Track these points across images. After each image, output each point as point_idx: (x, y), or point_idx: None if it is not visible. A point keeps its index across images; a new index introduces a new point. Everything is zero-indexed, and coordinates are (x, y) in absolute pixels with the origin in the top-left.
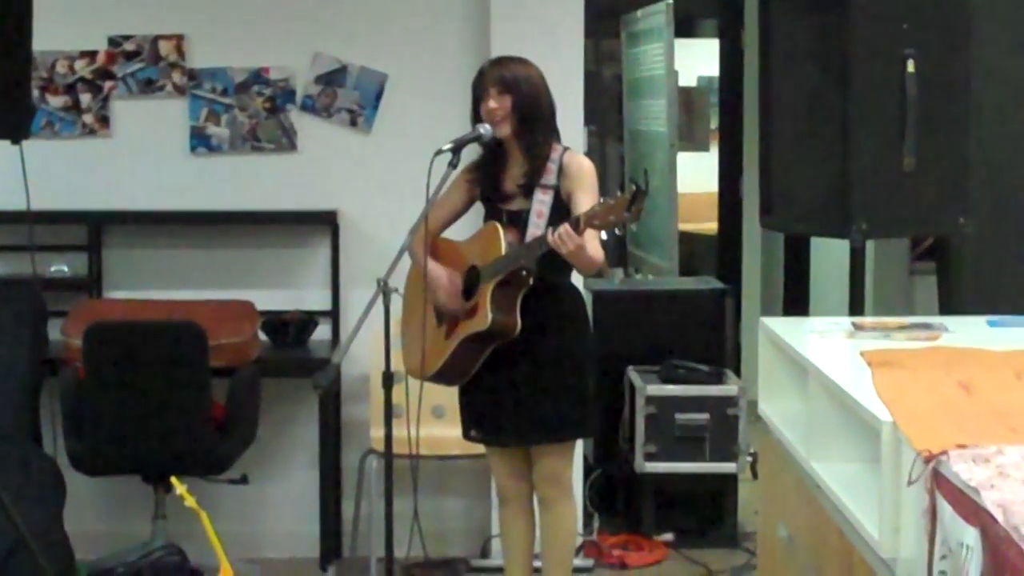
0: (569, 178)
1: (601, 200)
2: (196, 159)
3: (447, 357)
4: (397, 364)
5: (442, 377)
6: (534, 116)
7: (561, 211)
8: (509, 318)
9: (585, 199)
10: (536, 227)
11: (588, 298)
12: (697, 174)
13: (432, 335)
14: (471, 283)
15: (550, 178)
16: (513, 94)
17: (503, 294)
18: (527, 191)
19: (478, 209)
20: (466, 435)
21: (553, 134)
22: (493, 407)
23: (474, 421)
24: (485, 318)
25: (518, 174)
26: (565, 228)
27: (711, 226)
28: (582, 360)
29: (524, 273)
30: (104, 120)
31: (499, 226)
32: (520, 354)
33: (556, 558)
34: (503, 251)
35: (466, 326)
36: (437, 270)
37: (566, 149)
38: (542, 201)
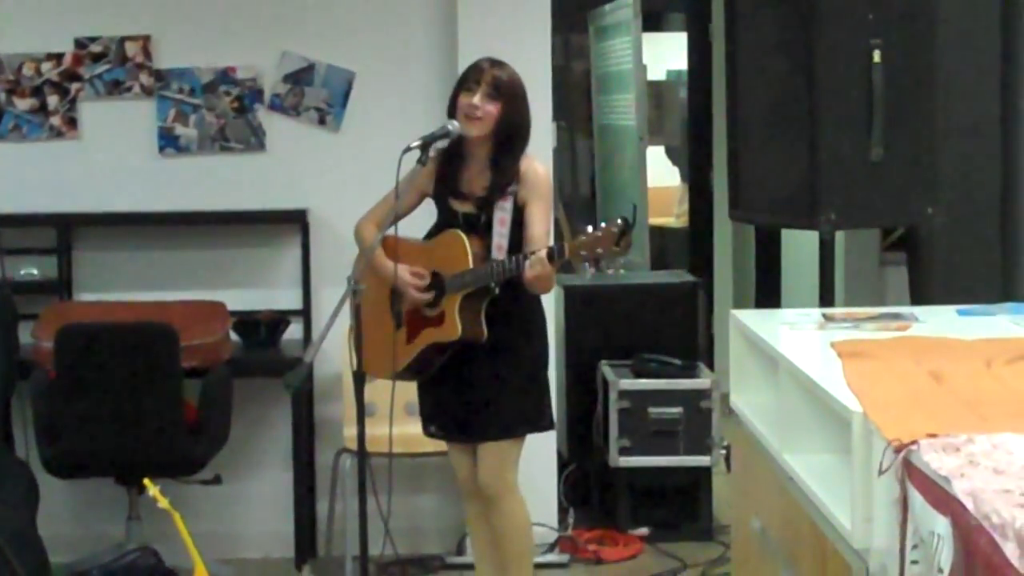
0: (526, 186)
1: (588, 231)
2: (165, 160)
3: (410, 361)
4: None
5: (403, 376)
6: (514, 132)
7: (518, 217)
8: (476, 328)
9: (538, 212)
10: (500, 236)
11: (560, 294)
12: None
13: (391, 338)
14: (433, 288)
15: (510, 186)
16: (504, 105)
17: (469, 304)
18: (484, 200)
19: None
20: (426, 431)
21: (521, 152)
22: (446, 403)
23: (430, 417)
24: (455, 330)
25: (479, 181)
26: (541, 259)
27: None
28: (531, 360)
29: (491, 285)
30: (72, 122)
31: (464, 236)
32: (473, 353)
33: (513, 553)
34: (470, 264)
35: (432, 334)
36: (400, 269)
37: (525, 155)
38: (504, 209)
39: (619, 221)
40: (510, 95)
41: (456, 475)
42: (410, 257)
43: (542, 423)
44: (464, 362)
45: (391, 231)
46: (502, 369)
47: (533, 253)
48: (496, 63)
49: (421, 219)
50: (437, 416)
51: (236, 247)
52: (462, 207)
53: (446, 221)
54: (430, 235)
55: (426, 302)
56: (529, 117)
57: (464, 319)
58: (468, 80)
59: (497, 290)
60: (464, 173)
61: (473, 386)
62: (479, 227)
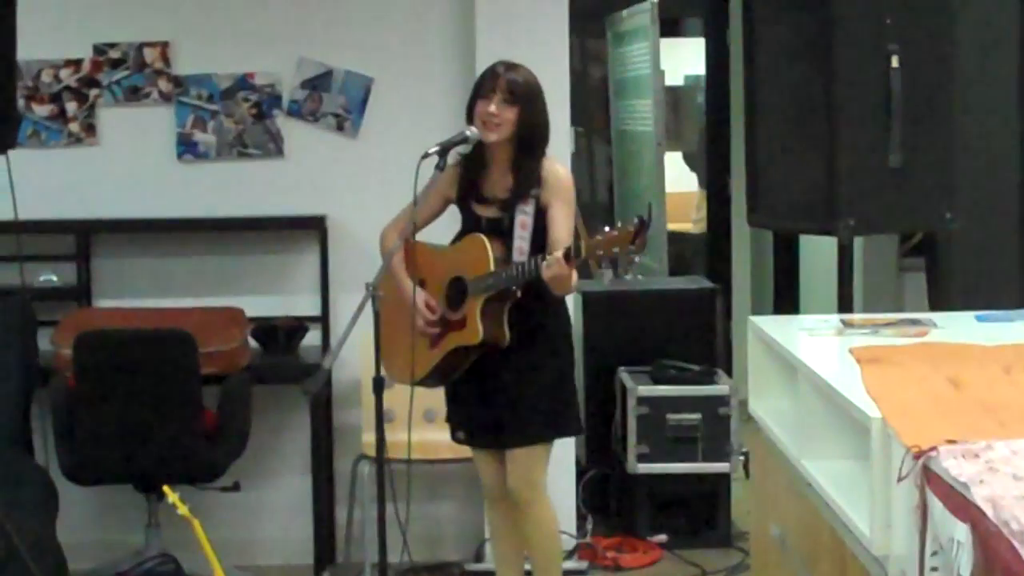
0: (548, 189)
1: (605, 230)
2: (183, 166)
3: (432, 367)
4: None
5: (427, 383)
6: (534, 134)
7: (539, 220)
8: (498, 331)
9: (560, 214)
10: (521, 240)
11: (578, 300)
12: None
13: (415, 343)
14: (455, 293)
15: (532, 188)
16: (521, 108)
17: (491, 308)
18: (507, 203)
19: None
20: (453, 437)
21: (542, 154)
22: (473, 409)
23: (458, 423)
24: (476, 334)
25: (501, 185)
26: (557, 259)
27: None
28: (557, 365)
29: (513, 288)
30: (90, 128)
31: (485, 240)
32: (499, 359)
33: (544, 560)
34: (491, 267)
35: (454, 338)
36: (416, 297)
37: (545, 157)
38: (525, 212)
39: (635, 220)
40: (526, 98)
41: (481, 480)
42: (433, 263)
43: (571, 427)
44: (491, 367)
45: (406, 233)
46: (529, 374)
47: (549, 255)
48: (511, 67)
49: (445, 225)
50: (465, 422)
51: (254, 253)
52: (485, 212)
53: (470, 226)
54: (456, 241)
55: (431, 333)
56: (547, 117)
57: (486, 322)
58: (484, 86)
59: (519, 293)
60: (486, 178)
61: (501, 392)
62: (503, 231)
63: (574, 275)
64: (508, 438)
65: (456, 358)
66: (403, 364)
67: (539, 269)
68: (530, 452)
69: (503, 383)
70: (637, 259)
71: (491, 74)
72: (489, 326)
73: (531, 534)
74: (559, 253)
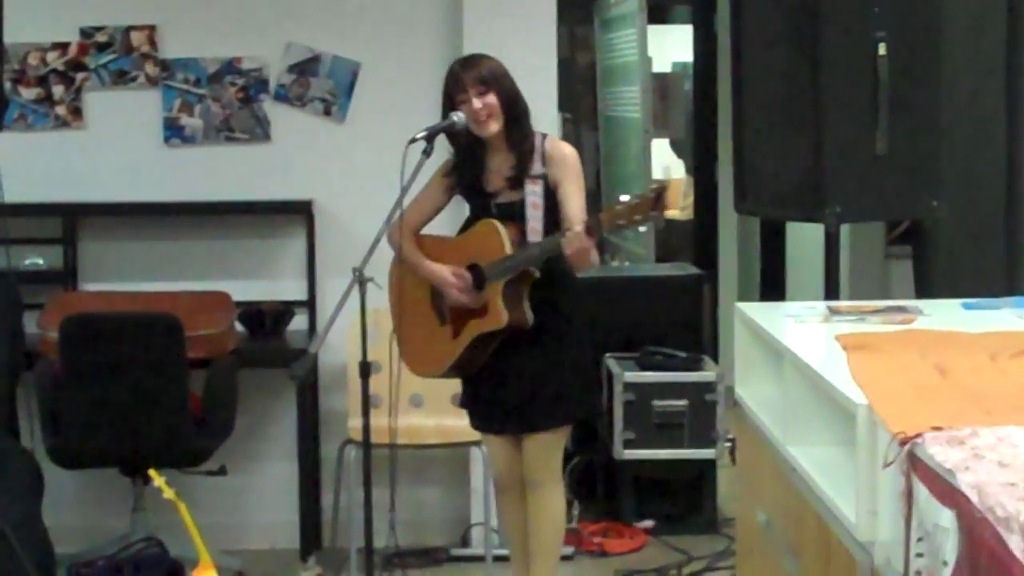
0: (554, 166)
1: (623, 199)
2: (170, 150)
3: (457, 357)
4: (374, 354)
5: (451, 374)
6: (517, 109)
7: (551, 200)
8: (521, 313)
9: (573, 189)
10: (535, 220)
11: None
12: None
13: (437, 335)
14: (474, 281)
15: (536, 168)
16: (497, 90)
17: (511, 290)
18: (514, 183)
19: (456, 203)
20: (473, 424)
21: (530, 123)
22: (492, 395)
23: (477, 410)
24: (501, 318)
25: (503, 167)
26: (578, 233)
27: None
28: (577, 347)
29: (531, 269)
30: (77, 112)
31: (498, 224)
32: (517, 342)
33: (544, 545)
34: (508, 251)
35: (478, 325)
36: (441, 269)
37: (544, 136)
38: (534, 192)
39: (655, 186)
40: (495, 80)
41: (492, 467)
42: (445, 254)
43: (593, 408)
44: (509, 352)
45: (411, 228)
46: (551, 357)
47: (569, 230)
48: (467, 62)
49: (442, 219)
50: (482, 408)
51: (241, 238)
52: (494, 199)
53: (479, 214)
54: (464, 229)
55: (468, 303)
56: (517, 87)
57: (509, 306)
58: (455, 94)
59: (537, 273)
60: (487, 165)
61: (522, 376)
62: (514, 214)
63: (594, 250)
64: (531, 422)
65: (480, 346)
66: (425, 357)
67: (558, 246)
68: (549, 435)
69: (524, 367)
70: (663, 223)
71: (453, 79)
72: (512, 309)
73: (536, 516)
74: (579, 227)
